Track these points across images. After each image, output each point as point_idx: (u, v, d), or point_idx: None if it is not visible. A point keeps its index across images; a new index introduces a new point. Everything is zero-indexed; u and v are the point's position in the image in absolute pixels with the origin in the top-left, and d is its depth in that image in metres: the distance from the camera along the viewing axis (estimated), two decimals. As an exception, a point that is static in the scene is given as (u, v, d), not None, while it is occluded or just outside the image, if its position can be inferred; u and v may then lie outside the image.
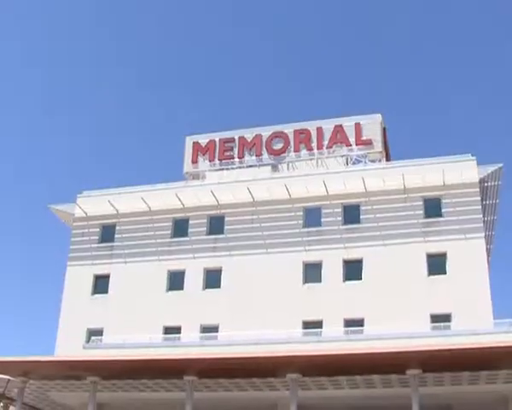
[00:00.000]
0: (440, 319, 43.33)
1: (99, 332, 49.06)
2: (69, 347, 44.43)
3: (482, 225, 47.09)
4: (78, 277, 52.30)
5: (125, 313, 48.81)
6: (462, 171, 47.42)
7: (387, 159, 54.12)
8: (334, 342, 37.41)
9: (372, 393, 33.20)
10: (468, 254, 45.32)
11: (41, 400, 40.38)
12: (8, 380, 24.74)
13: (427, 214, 47.65)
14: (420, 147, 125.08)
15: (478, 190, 47.41)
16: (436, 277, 45.63)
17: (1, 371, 25.36)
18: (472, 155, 48.55)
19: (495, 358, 28.54)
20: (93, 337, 48.30)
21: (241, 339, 39.77)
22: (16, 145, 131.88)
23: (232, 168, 54.37)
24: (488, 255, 49.92)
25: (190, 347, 39.22)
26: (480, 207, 47.38)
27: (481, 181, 47.84)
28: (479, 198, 47.29)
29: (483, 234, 46.75)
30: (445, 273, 45.74)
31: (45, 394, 38.66)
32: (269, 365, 30.63)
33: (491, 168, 47.84)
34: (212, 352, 34.76)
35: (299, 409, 30.98)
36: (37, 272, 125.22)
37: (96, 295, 51.91)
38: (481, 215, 47.23)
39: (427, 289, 44.93)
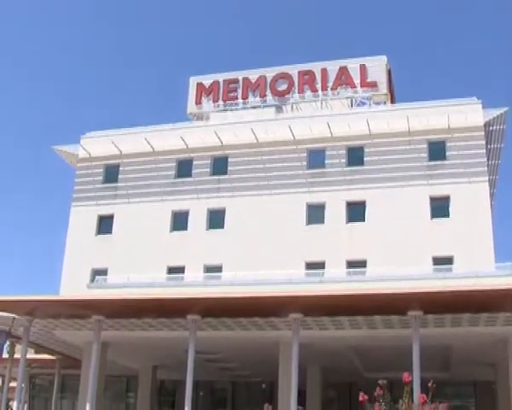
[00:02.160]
0: (442, 261, 43.57)
1: (103, 272, 49.44)
2: (74, 286, 44.87)
3: (486, 169, 47.05)
4: (83, 217, 52.56)
5: (129, 254, 49.14)
6: (467, 114, 47.19)
7: (392, 101, 53.85)
8: (336, 283, 37.62)
9: (373, 333, 33.43)
10: (472, 198, 45.38)
11: (46, 338, 40.79)
12: (14, 318, 24.86)
13: (431, 157, 47.57)
14: (425, 90, 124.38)
15: (482, 133, 47.26)
16: (439, 220, 45.77)
17: (7, 310, 25.55)
18: (477, 99, 48.28)
19: (495, 300, 28.65)
20: (97, 277, 48.68)
21: (244, 279, 40.05)
22: (19, 88, 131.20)
23: (236, 109, 54.16)
24: (491, 199, 49.94)
25: (194, 286, 39.54)
26: (485, 151, 47.28)
27: (486, 125, 47.64)
28: (483, 142, 47.17)
29: (487, 178, 46.73)
30: (447, 216, 45.86)
31: (50, 332, 39.02)
32: (271, 304, 30.81)
33: (496, 112, 47.61)
34: (215, 291, 35.04)
35: (301, 349, 31.26)
36: (43, 212, 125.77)
37: (100, 236, 52.22)
38: (485, 159, 47.16)
39: (429, 231, 45.10)
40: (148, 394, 45.14)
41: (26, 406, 51.13)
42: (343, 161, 48.89)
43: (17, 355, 39.30)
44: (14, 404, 38.03)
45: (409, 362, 25.47)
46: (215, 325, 34.12)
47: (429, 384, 17.32)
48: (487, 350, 35.40)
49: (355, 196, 47.47)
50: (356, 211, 47.20)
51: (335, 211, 47.35)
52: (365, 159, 48.54)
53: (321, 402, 42.12)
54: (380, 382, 16.94)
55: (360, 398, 17.33)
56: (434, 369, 30.47)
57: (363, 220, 46.89)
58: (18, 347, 40.29)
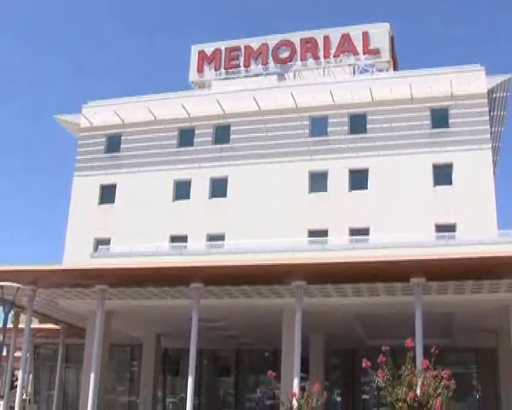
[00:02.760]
0: (445, 228, 43.55)
1: (106, 242, 49.52)
2: (77, 256, 44.92)
3: (489, 136, 46.89)
4: (85, 187, 52.54)
5: (131, 223, 49.17)
6: (471, 81, 46.94)
7: (395, 68, 53.56)
8: (339, 250, 37.66)
9: (376, 301, 33.52)
10: (475, 165, 45.28)
11: (51, 308, 40.97)
12: (18, 288, 25.01)
13: (434, 125, 47.40)
14: (428, 57, 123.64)
15: (486, 100, 47.02)
16: (442, 187, 45.71)
17: (11, 279, 25.66)
18: (481, 66, 47.96)
19: (498, 267, 28.67)
20: (100, 247, 48.76)
21: (247, 247, 40.07)
22: (21, 57, 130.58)
23: (238, 77, 53.94)
24: (494, 167, 49.82)
25: (196, 255, 39.59)
26: (488, 118, 47.09)
27: (489, 92, 47.38)
28: (486, 109, 46.95)
29: (490, 145, 46.59)
30: (450, 184, 45.81)
31: (54, 302, 39.17)
32: (274, 272, 30.86)
33: (499, 79, 47.35)
34: (218, 259, 35.08)
35: (305, 316, 31.36)
36: (46, 183, 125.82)
37: (103, 205, 52.24)
38: (488, 126, 46.98)
39: (432, 199, 45.06)
40: (152, 362, 45.38)
41: (31, 375, 51.50)
42: (345, 128, 48.72)
43: (21, 325, 39.56)
44: (20, 373, 38.33)
45: (411, 330, 25.55)
46: (218, 293, 34.20)
47: (432, 350, 17.38)
48: (490, 317, 35.48)
49: (358, 163, 47.35)
50: (358, 179, 47.11)
51: (338, 179, 47.27)
52: (368, 126, 48.36)
53: (324, 370, 42.35)
54: (383, 348, 16.99)
55: (363, 365, 17.39)
56: (436, 336, 30.56)
57: (366, 188, 46.84)
58: (22, 317, 40.53)
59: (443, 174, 46.09)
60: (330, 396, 42.21)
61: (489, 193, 44.80)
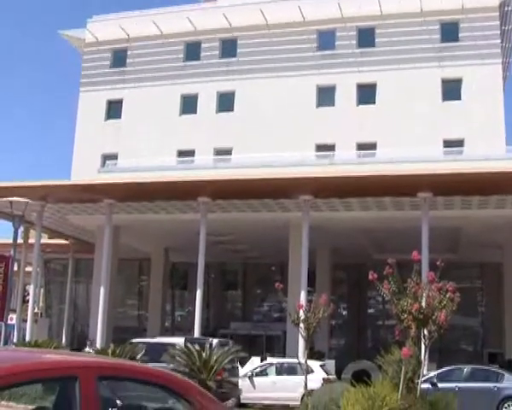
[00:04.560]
0: (453, 144, 43.37)
1: (113, 157, 49.48)
2: (84, 172, 44.97)
3: (500, 51, 46.17)
4: (91, 103, 52.21)
5: (138, 138, 49.05)
6: (482, -6, 46.04)
7: (405, -20, 52.44)
8: (346, 164, 37.71)
9: (383, 215, 33.74)
10: (484, 80, 44.71)
11: (59, 223, 41.41)
12: (27, 203, 25.16)
13: (444, 39, 46.62)
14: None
15: (497, 14, 46.11)
16: (450, 102, 45.31)
17: (20, 195, 25.86)
18: (493, -23, 46.96)
19: (505, 183, 28.77)
20: (108, 162, 48.84)
21: (255, 161, 40.12)
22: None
23: (245, -10, 52.94)
24: (504, 82, 49.27)
25: (204, 169, 39.69)
26: (499, 32, 46.24)
27: (501, 5, 46.42)
28: (498, 23, 46.08)
29: (500, 60, 45.99)
30: (459, 99, 45.40)
31: (63, 217, 39.58)
32: (281, 186, 31.01)
33: (512, -9, 46.43)
34: (225, 174, 35.20)
35: (311, 230, 31.63)
36: (52, 99, 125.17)
37: (110, 121, 52.05)
38: (499, 41, 46.17)
39: (440, 114, 44.70)
40: (161, 276, 46.01)
41: (42, 290, 52.29)
42: (354, 42, 48.02)
43: (31, 241, 40.04)
44: (31, 288, 38.95)
45: (418, 244, 25.74)
46: (226, 207, 34.45)
47: (438, 263, 17.54)
48: (495, 232, 35.75)
49: (366, 78, 46.79)
50: (366, 93, 46.65)
51: (346, 93, 46.81)
52: (376, 40, 47.61)
53: (330, 284, 42.91)
54: (389, 261, 17.16)
55: (370, 277, 17.60)
56: (442, 251, 30.79)
57: (374, 103, 46.44)
58: (32, 233, 40.98)
59: (451, 89, 45.62)
60: (336, 310, 42.81)
61: (498, 109, 44.45)
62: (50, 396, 5.30)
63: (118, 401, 5.58)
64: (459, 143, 43.40)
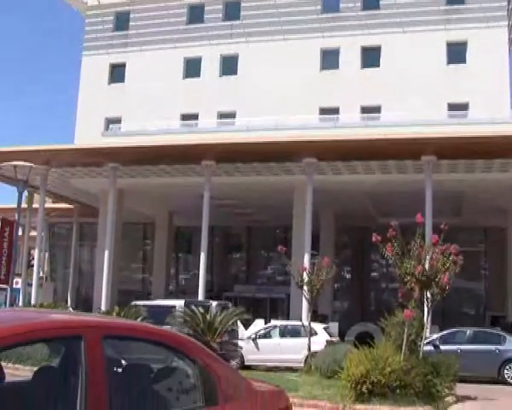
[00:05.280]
0: (458, 107, 43.14)
1: (117, 121, 49.36)
2: (88, 136, 44.90)
3: (506, 13, 45.69)
4: (94, 66, 51.90)
5: (142, 102, 48.80)
6: (489, -46, 45.52)
7: None
8: (350, 128, 37.61)
9: (387, 178, 33.71)
10: (489, 44, 44.27)
11: (64, 187, 41.44)
12: (31, 167, 25.17)
13: (449, 1, 46.15)
14: None
15: (504, -24, 45.68)
16: (455, 66, 44.99)
17: (24, 160, 25.86)
18: None
19: (509, 147, 28.71)
20: (111, 125, 48.74)
21: (259, 125, 40.03)
22: None
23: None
24: (510, 45, 48.84)
25: (208, 133, 39.56)
26: (505, -6, 45.83)
27: (508, -33, 45.98)
28: (504, -15, 45.67)
29: (506, 23, 45.53)
30: (464, 62, 45.06)
31: (67, 181, 39.61)
32: (285, 149, 31.01)
33: (520, -50, 45.86)
34: (229, 137, 35.16)
35: (315, 193, 31.66)
36: (54, 63, 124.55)
37: (113, 85, 51.81)
38: (506, 3, 45.72)
39: (445, 77, 44.40)
40: (165, 240, 46.17)
41: (46, 254, 52.52)
42: (358, 5, 47.54)
43: (36, 205, 40.12)
44: (36, 252, 39.12)
45: (421, 208, 25.75)
46: (229, 170, 34.43)
47: (442, 226, 17.58)
48: (499, 197, 35.72)
49: (370, 41, 46.39)
50: (371, 56, 46.29)
51: (350, 56, 46.47)
52: (381, 3, 47.14)
53: (334, 246, 43.01)
54: (392, 223, 17.20)
55: (373, 239, 17.67)
56: (446, 215, 30.78)
57: (378, 66, 46.11)
58: (36, 197, 41.06)
59: (456, 52, 45.28)
60: (340, 273, 42.99)
61: (503, 72, 44.11)
62: (56, 357, 5.30)
63: (123, 361, 5.61)
64: (464, 106, 43.19)
